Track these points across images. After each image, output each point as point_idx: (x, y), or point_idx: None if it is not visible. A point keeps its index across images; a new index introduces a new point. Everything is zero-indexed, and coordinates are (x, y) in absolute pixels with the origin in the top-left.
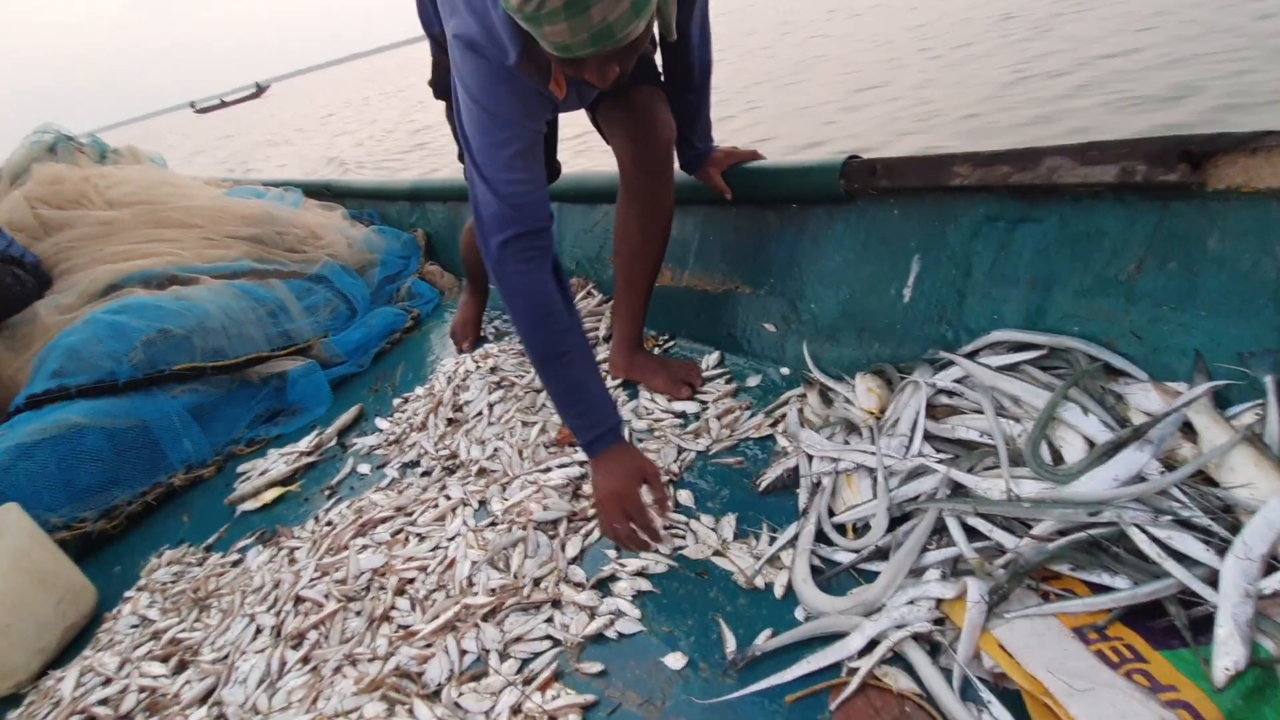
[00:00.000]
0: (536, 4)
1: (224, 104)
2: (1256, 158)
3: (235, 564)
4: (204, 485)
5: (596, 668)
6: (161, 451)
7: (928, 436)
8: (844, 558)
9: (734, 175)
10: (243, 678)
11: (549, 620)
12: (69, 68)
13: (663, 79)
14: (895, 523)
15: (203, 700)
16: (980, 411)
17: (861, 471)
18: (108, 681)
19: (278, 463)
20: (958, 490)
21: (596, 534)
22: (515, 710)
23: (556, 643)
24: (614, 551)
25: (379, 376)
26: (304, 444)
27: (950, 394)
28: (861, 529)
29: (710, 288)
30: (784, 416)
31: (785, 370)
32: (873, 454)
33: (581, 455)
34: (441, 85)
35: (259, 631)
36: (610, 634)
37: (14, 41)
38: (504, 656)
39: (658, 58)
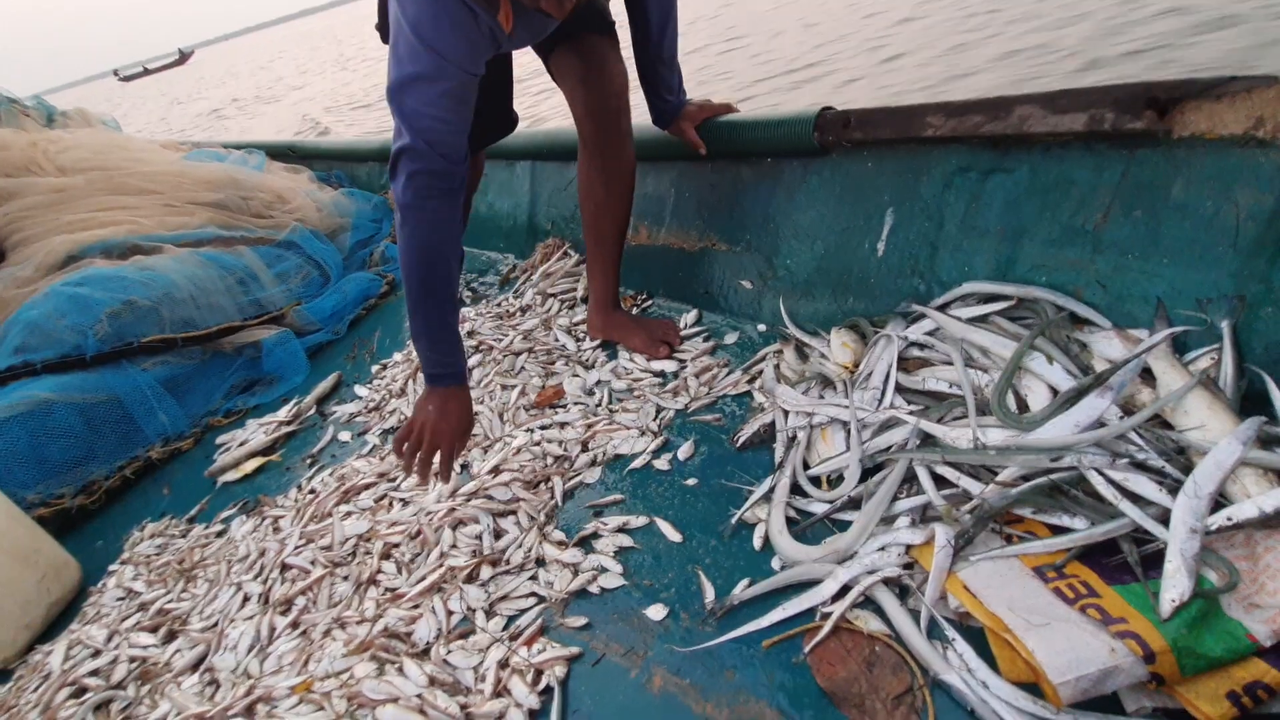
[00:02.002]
0: None
1: (148, 71)
2: (1220, 103)
3: (219, 534)
4: (183, 457)
5: (581, 621)
6: (136, 425)
7: (899, 389)
8: (818, 508)
9: (707, 129)
10: (233, 644)
11: (533, 578)
12: None
13: (618, 28)
14: (868, 473)
15: (194, 667)
16: (950, 363)
17: (836, 425)
18: (97, 653)
19: (257, 433)
20: (927, 440)
21: (576, 492)
22: (503, 664)
23: (541, 600)
24: (595, 515)
25: (355, 343)
26: (283, 413)
27: (922, 346)
28: (835, 480)
29: (686, 246)
30: (761, 373)
31: (762, 327)
32: (846, 408)
33: (562, 416)
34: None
35: (247, 599)
36: (593, 589)
37: None
38: (490, 614)
39: (617, 8)
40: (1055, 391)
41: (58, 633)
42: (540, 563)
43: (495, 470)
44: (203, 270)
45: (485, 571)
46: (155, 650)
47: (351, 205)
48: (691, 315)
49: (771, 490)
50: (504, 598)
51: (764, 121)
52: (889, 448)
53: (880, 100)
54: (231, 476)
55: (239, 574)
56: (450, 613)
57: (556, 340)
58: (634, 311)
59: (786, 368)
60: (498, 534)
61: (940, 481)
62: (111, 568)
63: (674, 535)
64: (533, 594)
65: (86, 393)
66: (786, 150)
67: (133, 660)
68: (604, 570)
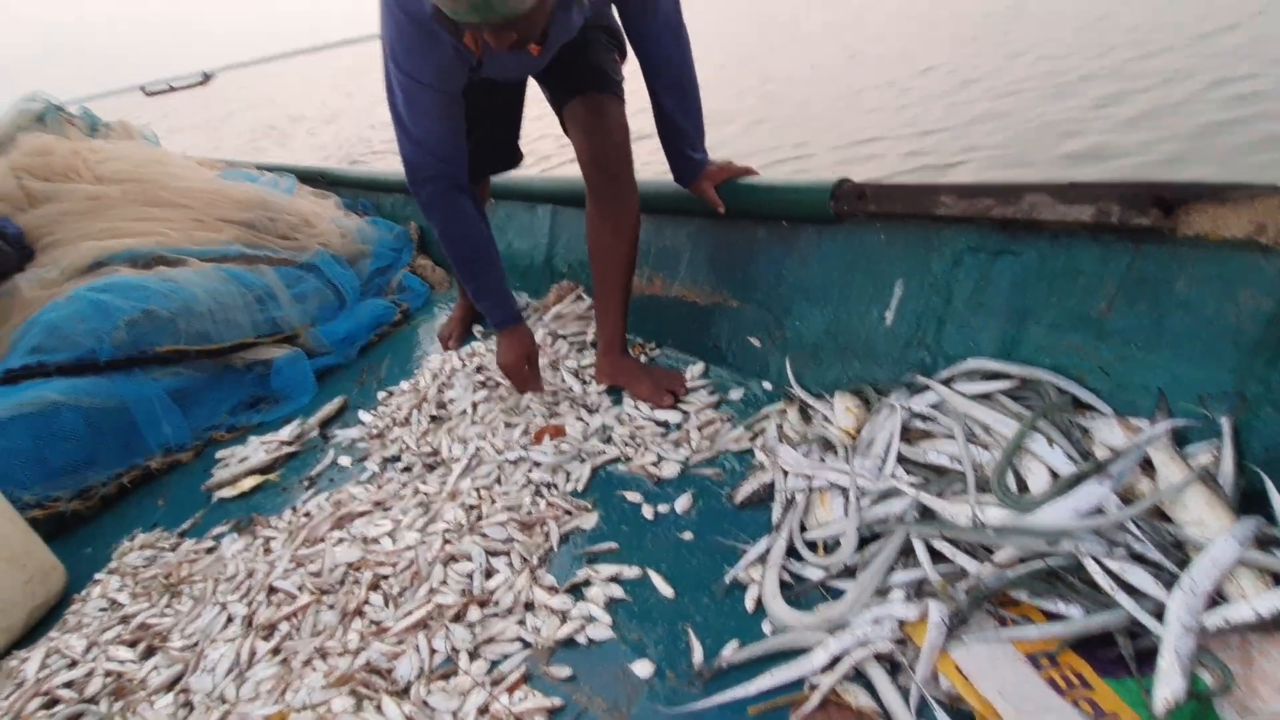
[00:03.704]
0: None
1: (172, 89)
2: (1225, 207)
3: (209, 551)
4: (181, 470)
5: (565, 672)
6: (139, 434)
7: (901, 459)
8: (813, 574)
9: (727, 189)
10: (211, 666)
11: (521, 623)
12: (20, 42)
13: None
14: (865, 542)
15: (169, 687)
16: (953, 437)
17: (835, 490)
18: (73, 664)
19: (258, 450)
20: (926, 514)
21: (571, 534)
22: (483, 710)
23: (527, 645)
24: (589, 562)
25: (364, 369)
26: (285, 433)
27: (925, 418)
28: (832, 546)
29: (699, 299)
30: (764, 431)
31: (768, 385)
32: (846, 473)
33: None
34: None
35: (230, 620)
36: (581, 639)
37: None
38: (474, 656)
39: (630, 69)
40: (1055, 475)
41: (37, 638)
42: (529, 607)
43: (493, 500)
44: (223, 286)
45: (473, 612)
46: (132, 666)
47: (374, 233)
48: (698, 368)
49: (767, 551)
50: (490, 640)
51: (782, 187)
52: (887, 518)
53: (902, 173)
54: (228, 493)
55: (225, 593)
56: (434, 651)
57: (563, 381)
58: (642, 359)
59: (789, 428)
60: (489, 573)
61: (937, 557)
62: (98, 576)
63: (666, 590)
64: (519, 639)
65: (95, 398)
66: (803, 216)
67: (108, 674)
68: (593, 620)
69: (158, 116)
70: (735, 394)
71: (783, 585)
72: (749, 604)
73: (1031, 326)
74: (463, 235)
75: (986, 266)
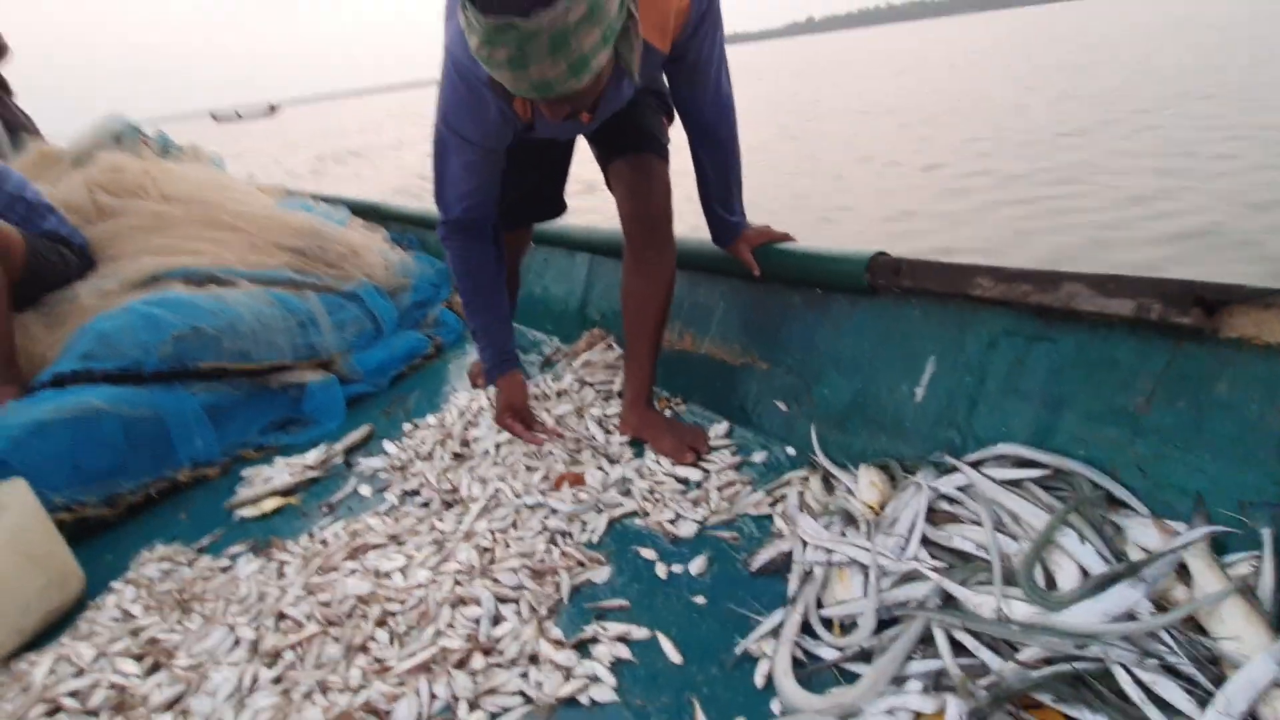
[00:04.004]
0: (486, 53)
1: (239, 117)
2: (1269, 312)
3: (224, 570)
4: (207, 485)
5: None
6: (172, 446)
7: (925, 541)
8: (828, 654)
9: (763, 253)
10: (213, 689)
11: (524, 675)
12: (98, 59)
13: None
14: (883, 625)
15: (169, 706)
16: (979, 523)
17: (855, 567)
18: (80, 673)
19: (282, 472)
20: (949, 601)
21: (582, 587)
22: None
23: (528, 700)
24: (597, 618)
25: (393, 399)
26: (310, 457)
27: (951, 501)
28: (849, 626)
29: (728, 358)
30: (784, 497)
31: (791, 450)
32: (867, 550)
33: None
34: None
35: (237, 643)
36: (583, 699)
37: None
38: (474, 706)
39: (677, 131)
40: (1086, 573)
41: (48, 642)
42: (534, 659)
43: (507, 544)
44: (269, 308)
45: (477, 660)
46: (136, 680)
47: (416, 268)
48: (723, 427)
49: (781, 625)
50: (491, 691)
51: (819, 255)
52: (907, 602)
53: (943, 249)
54: (249, 512)
55: (234, 615)
56: (434, 697)
57: (587, 429)
58: (667, 413)
59: (811, 497)
60: (496, 620)
61: (958, 648)
62: (114, 584)
63: (675, 656)
64: (521, 692)
65: (135, 407)
66: (837, 285)
67: (112, 687)
68: (597, 681)
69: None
70: (758, 456)
71: (795, 662)
72: (759, 679)
73: (1066, 415)
74: (469, 271)
75: (1022, 351)
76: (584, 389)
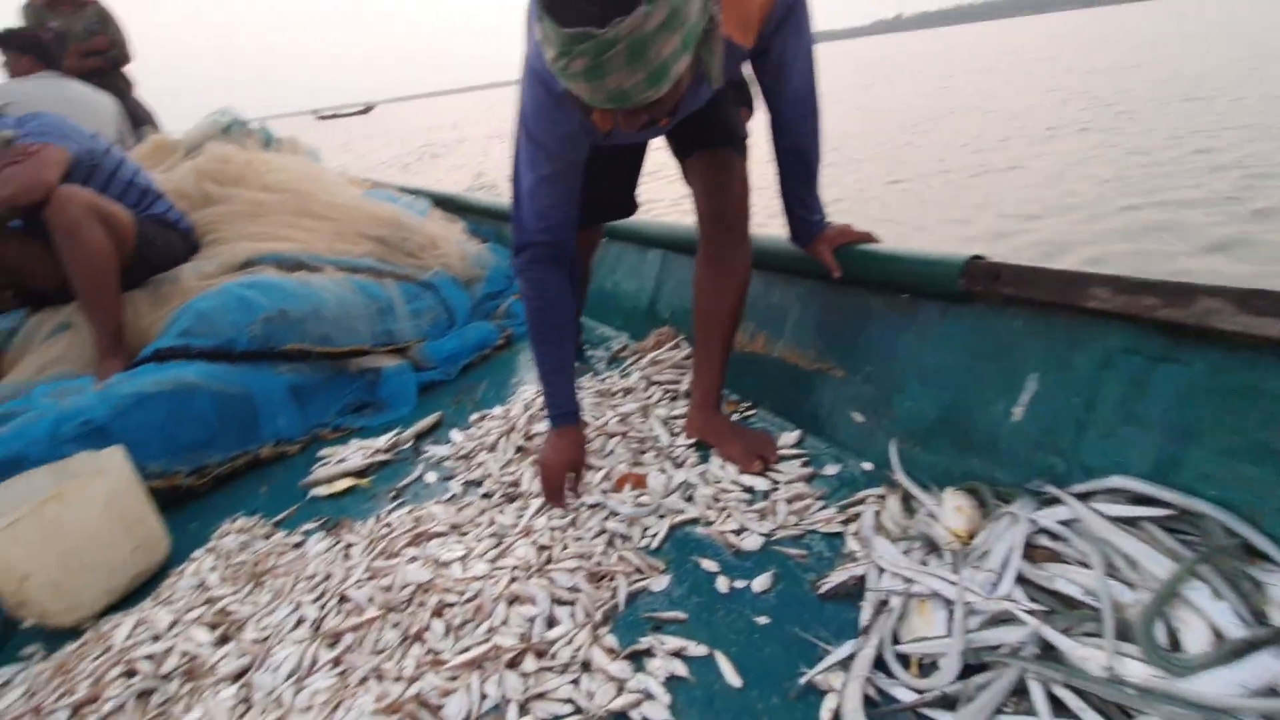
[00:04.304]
0: (563, 65)
1: (338, 115)
2: None
3: (296, 546)
4: (287, 462)
5: None
6: (257, 422)
7: (1020, 579)
8: (904, 695)
9: (844, 254)
10: (276, 665)
11: (575, 683)
12: (210, 61)
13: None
14: (968, 670)
15: (235, 678)
16: (1087, 565)
17: (937, 600)
18: (157, 638)
19: (356, 454)
20: (1047, 651)
21: (639, 594)
22: None
23: (578, 710)
24: (654, 629)
25: (462, 389)
26: (382, 441)
27: (1053, 536)
28: (928, 667)
29: (801, 363)
30: (858, 516)
31: (867, 465)
32: (953, 584)
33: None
34: None
35: (300, 622)
36: (635, 715)
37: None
38: (524, 710)
39: (759, 124)
40: (1219, 635)
41: (132, 605)
42: (586, 667)
43: (565, 544)
44: (351, 295)
45: (529, 661)
46: (206, 650)
47: (491, 259)
48: (794, 435)
49: (851, 657)
50: (541, 696)
51: (907, 257)
52: (997, 647)
53: (1048, 250)
54: (322, 491)
55: (301, 593)
56: (485, 696)
57: (651, 430)
58: (734, 418)
59: (888, 518)
60: (551, 622)
61: (1057, 705)
62: (195, 554)
63: (734, 678)
64: (571, 700)
65: (226, 384)
66: (926, 290)
67: (184, 655)
68: (650, 697)
69: (324, 137)
70: (830, 469)
71: (867, 701)
72: (825, 715)
73: (1195, 449)
74: (544, 305)
75: (1144, 373)
76: (650, 388)
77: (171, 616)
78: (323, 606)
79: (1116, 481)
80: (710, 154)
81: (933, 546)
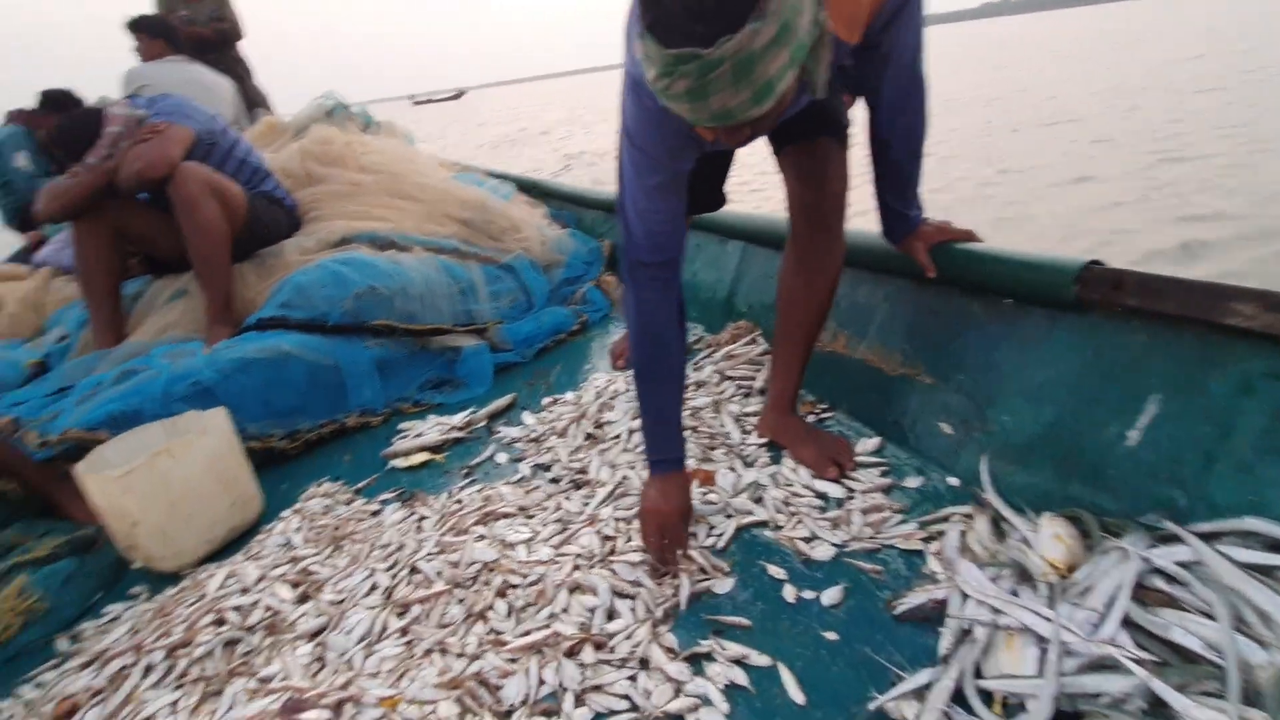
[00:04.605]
0: (664, 85)
1: (432, 101)
2: None
3: (374, 514)
4: (369, 432)
5: None
6: (345, 393)
7: (1127, 622)
8: None
9: (941, 253)
10: (349, 629)
11: (632, 679)
12: (317, 48)
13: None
14: (1060, 717)
15: (311, 637)
16: (1209, 615)
17: (1028, 636)
18: (245, 591)
19: (433, 429)
20: (1156, 708)
21: (701, 596)
22: None
23: (634, 707)
24: (715, 633)
25: (536, 372)
26: (458, 419)
27: (1169, 579)
28: (1014, 707)
29: (886, 367)
30: (941, 535)
31: (954, 480)
32: (1049, 620)
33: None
34: None
35: (374, 588)
36: None
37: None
38: (579, 701)
39: (858, 111)
40: None
41: (225, 557)
42: (644, 664)
43: (629, 536)
44: (436, 275)
45: (588, 652)
46: (288, 607)
47: (571, 245)
48: (873, 443)
49: (928, 687)
50: (598, 688)
51: (1013, 259)
52: (1098, 696)
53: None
54: (400, 463)
55: (375, 560)
56: (542, 682)
57: (722, 426)
58: (809, 419)
59: (975, 540)
60: (611, 614)
61: None
62: (283, 513)
63: (797, 695)
64: (627, 696)
65: (318, 354)
66: (1034, 296)
67: (268, 609)
68: (708, 703)
69: (419, 122)
70: (912, 482)
71: None
72: None
73: None
74: (653, 337)
75: None
76: (723, 382)
77: (259, 572)
78: (394, 576)
79: (1251, 524)
80: (807, 144)
81: (1025, 576)
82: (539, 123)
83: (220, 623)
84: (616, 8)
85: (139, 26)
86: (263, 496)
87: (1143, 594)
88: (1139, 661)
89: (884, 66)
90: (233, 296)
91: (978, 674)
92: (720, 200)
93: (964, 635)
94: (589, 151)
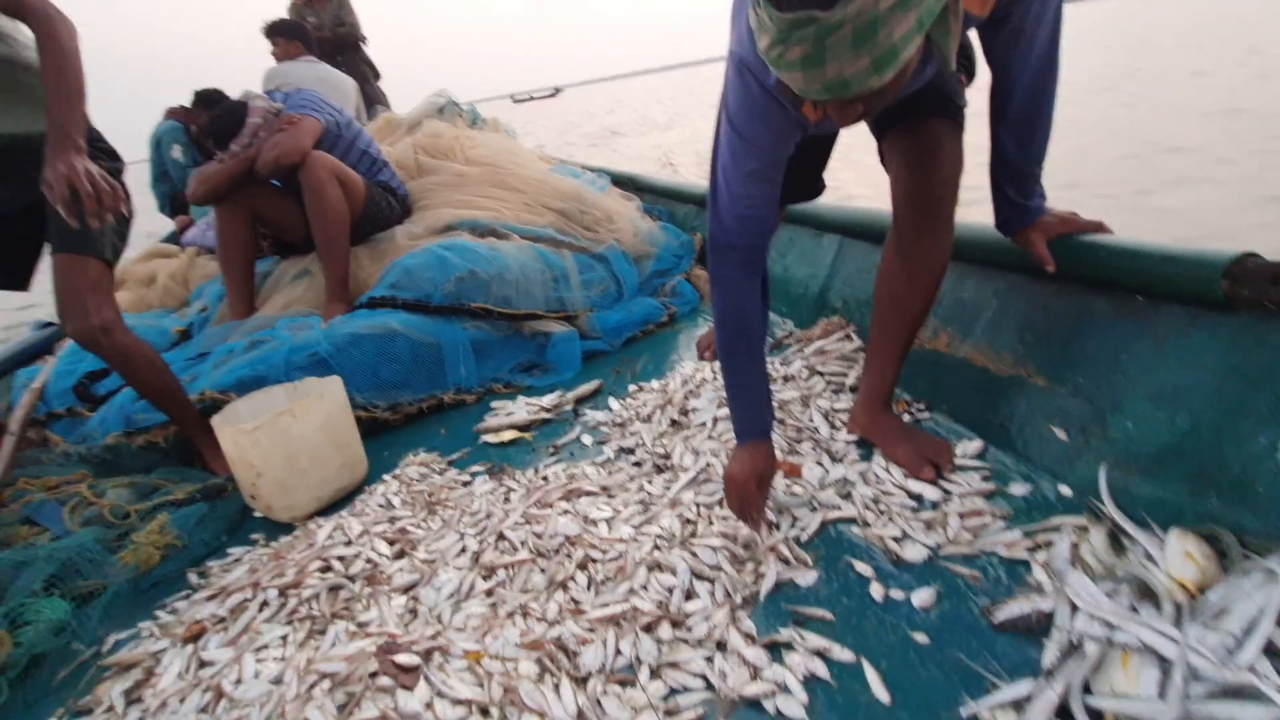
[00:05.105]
0: (778, 53)
1: (532, 99)
2: None
3: (465, 484)
4: (464, 409)
5: None
6: (443, 371)
7: (1271, 650)
8: None
9: (1063, 246)
10: (439, 586)
11: (709, 659)
12: (431, 49)
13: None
14: None
15: (405, 590)
16: None
17: (1148, 656)
18: (349, 543)
19: (522, 409)
20: None
21: (782, 586)
22: None
23: (710, 686)
24: (795, 623)
25: (623, 360)
26: (546, 400)
27: None
28: None
29: (993, 367)
30: (1050, 545)
31: (1066, 490)
32: (1175, 640)
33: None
34: None
35: (463, 551)
36: (768, 706)
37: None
38: (655, 674)
39: (974, 92)
40: None
41: (332, 513)
42: (721, 646)
43: (710, 521)
44: (532, 262)
45: (665, 629)
46: (385, 561)
47: (662, 238)
48: (975, 445)
49: (1029, 700)
50: (674, 665)
51: (1148, 252)
52: None
53: None
54: (491, 439)
55: (465, 525)
56: (619, 653)
57: (810, 421)
58: (905, 418)
59: (1090, 552)
60: (689, 595)
61: None
62: (385, 477)
63: (882, 694)
64: (703, 676)
65: (421, 333)
66: (1172, 293)
67: (368, 561)
68: (786, 691)
69: (518, 118)
70: (1018, 489)
71: None
72: None
73: None
74: (737, 316)
75: None
76: (813, 377)
77: (361, 527)
78: (482, 542)
79: None
80: (916, 124)
81: (1147, 593)
82: (633, 118)
83: (326, 569)
84: (705, 6)
85: (276, 30)
86: (368, 461)
87: None
88: None
89: (1014, 43)
90: (348, 277)
91: (1086, 691)
92: (819, 188)
93: (1072, 649)
94: (680, 151)
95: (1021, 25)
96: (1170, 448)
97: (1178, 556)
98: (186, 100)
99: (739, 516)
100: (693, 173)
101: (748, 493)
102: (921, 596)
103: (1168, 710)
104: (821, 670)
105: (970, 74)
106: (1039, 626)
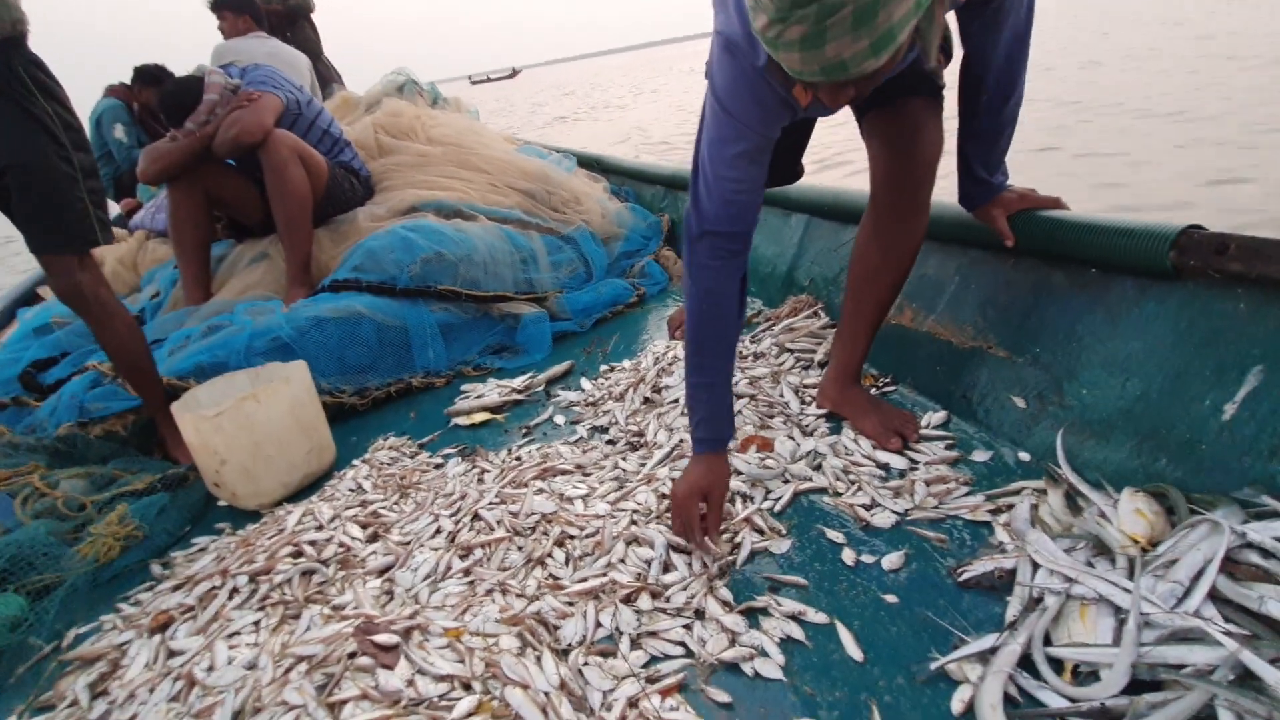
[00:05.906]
0: (776, 32)
1: (489, 79)
2: None
3: (437, 466)
4: (433, 392)
5: (724, 698)
6: (411, 354)
7: (1215, 595)
8: (1054, 700)
9: (1022, 221)
10: (415, 567)
11: (687, 627)
12: (384, 29)
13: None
14: (1136, 685)
15: (381, 573)
16: None
17: (1104, 606)
18: (320, 528)
19: (493, 391)
20: (1246, 680)
21: (757, 555)
22: (632, 703)
23: (690, 653)
24: (771, 589)
25: (594, 340)
26: (517, 382)
27: (1265, 554)
28: (1085, 675)
29: (955, 340)
30: (1011, 507)
31: (1025, 456)
32: (1128, 590)
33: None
34: None
35: (438, 532)
36: (746, 669)
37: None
38: (635, 644)
39: (951, 71)
40: None
41: (301, 499)
42: (699, 614)
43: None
44: (499, 243)
45: (644, 600)
46: (359, 544)
47: (630, 219)
48: (939, 416)
49: (993, 651)
50: (653, 634)
51: (1101, 226)
52: (1181, 667)
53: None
54: (462, 421)
55: (440, 507)
56: (599, 625)
57: (781, 396)
58: (872, 392)
59: (1048, 513)
60: (666, 567)
61: None
62: (354, 462)
63: (855, 651)
64: (682, 644)
65: (387, 316)
66: (1123, 265)
67: (340, 546)
68: (764, 654)
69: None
70: (980, 455)
71: (1007, 699)
72: (956, 705)
73: None
74: (712, 312)
75: None
76: (783, 354)
77: (332, 512)
78: (457, 522)
79: None
80: (897, 106)
81: (1101, 549)
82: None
83: (298, 554)
84: None
85: (224, 4)
86: (335, 446)
87: (1232, 568)
88: (1230, 634)
89: (994, 26)
90: (310, 260)
91: (1047, 642)
92: (798, 172)
93: (1033, 604)
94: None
95: (1002, 10)
96: (1122, 412)
97: (1129, 514)
98: (126, 77)
99: (681, 537)
100: (650, 155)
101: (689, 515)
102: (891, 560)
103: (1123, 655)
104: (797, 633)
105: (948, 53)
106: (1002, 584)
